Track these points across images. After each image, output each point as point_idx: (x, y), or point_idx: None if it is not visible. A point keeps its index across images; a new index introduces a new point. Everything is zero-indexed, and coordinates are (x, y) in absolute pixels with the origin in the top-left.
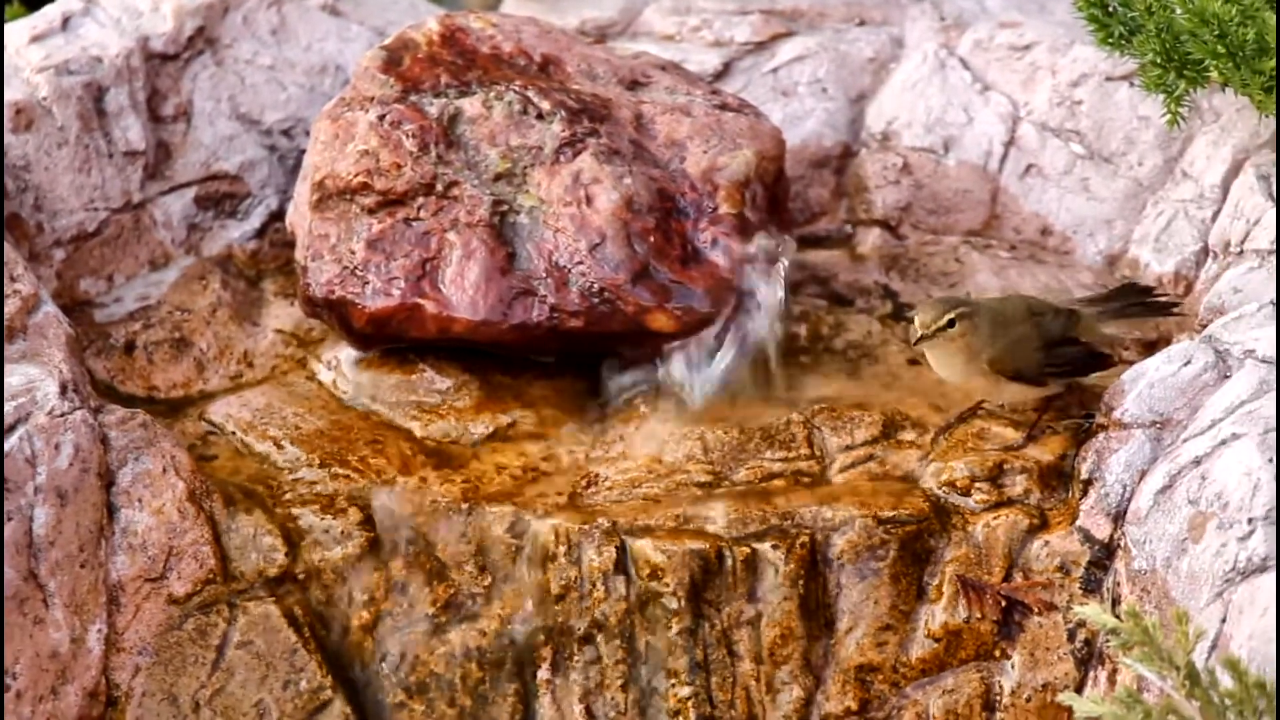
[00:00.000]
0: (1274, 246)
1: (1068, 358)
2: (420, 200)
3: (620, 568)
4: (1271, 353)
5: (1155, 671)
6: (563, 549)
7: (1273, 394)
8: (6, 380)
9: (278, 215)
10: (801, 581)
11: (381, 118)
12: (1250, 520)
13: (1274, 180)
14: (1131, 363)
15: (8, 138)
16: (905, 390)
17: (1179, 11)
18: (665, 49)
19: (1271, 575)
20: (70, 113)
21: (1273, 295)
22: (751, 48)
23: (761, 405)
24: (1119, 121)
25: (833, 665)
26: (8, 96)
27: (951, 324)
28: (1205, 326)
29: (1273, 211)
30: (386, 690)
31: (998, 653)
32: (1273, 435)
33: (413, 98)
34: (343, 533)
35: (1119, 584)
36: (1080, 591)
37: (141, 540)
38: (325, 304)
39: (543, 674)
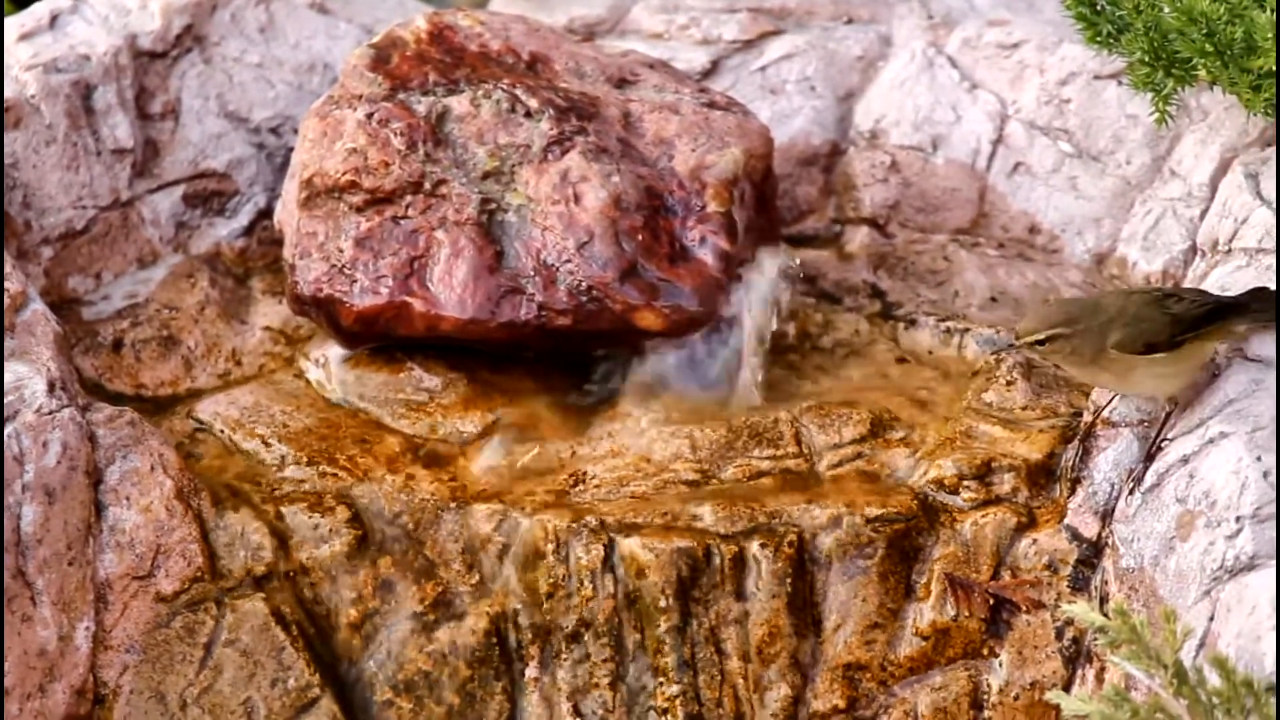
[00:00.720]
0: (1261, 245)
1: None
2: (408, 198)
3: (608, 566)
4: (1262, 352)
5: (1143, 670)
6: (551, 547)
7: (1260, 392)
8: None
9: (266, 213)
10: (789, 580)
11: (370, 116)
12: (1238, 519)
13: (1262, 180)
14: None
15: None
16: (893, 389)
17: (1167, 10)
18: (653, 47)
19: (1259, 574)
20: (58, 110)
21: None
22: (740, 46)
23: (750, 403)
24: (1107, 120)
25: (820, 663)
26: None
27: (1042, 343)
28: None
29: (1260, 210)
30: (374, 688)
31: (986, 651)
32: (1261, 434)
33: (401, 96)
34: (330, 531)
35: (1107, 582)
36: (1068, 590)
37: (129, 538)
38: (313, 302)
39: (530, 672)
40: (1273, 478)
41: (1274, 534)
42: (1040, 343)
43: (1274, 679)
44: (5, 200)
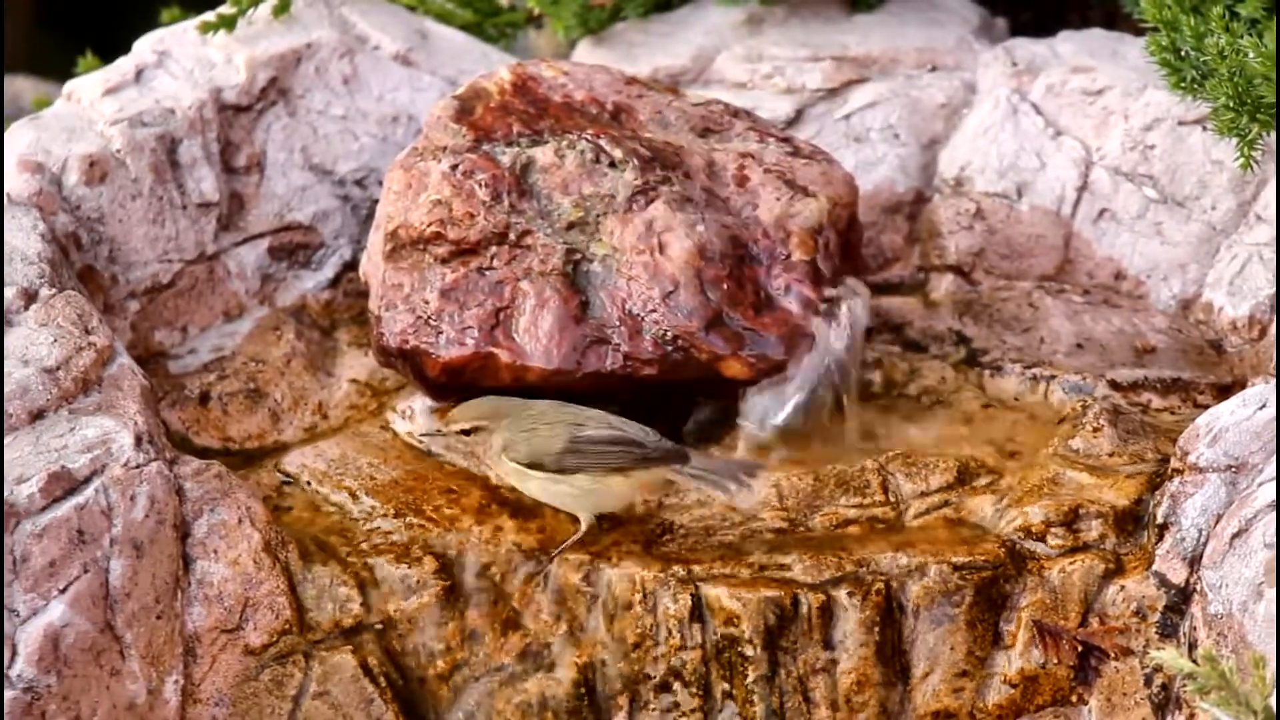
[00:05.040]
0: None
1: (597, 448)
2: (493, 249)
3: (696, 615)
4: None
5: (1233, 716)
6: (638, 597)
7: None
8: (82, 433)
9: (351, 265)
10: (877, 628)
11: (454, 167)
12: None
13: None
14: (1206, 406)
15: (81, 189)
16: (980, 436)
17: (1251, 55)
18: (737, 96)
19: None
20: (144, 165)
21: None
22: (823, 94)
23: (836, 452)
24: (1192, 165)
25: (909, 711)
26: (80, 149)
27: (467, 433)
28: None
29: None
30: None
31: (1074, 698)
32: None
33: (485, 147)
34: (418, 582)
35: (1195, 628)
36: (1157, 636)
37: (217, 591)
38: (399, 353)
39: None
40: None
41: None
42: (465, 432)
43: None
44: (92, 255)
